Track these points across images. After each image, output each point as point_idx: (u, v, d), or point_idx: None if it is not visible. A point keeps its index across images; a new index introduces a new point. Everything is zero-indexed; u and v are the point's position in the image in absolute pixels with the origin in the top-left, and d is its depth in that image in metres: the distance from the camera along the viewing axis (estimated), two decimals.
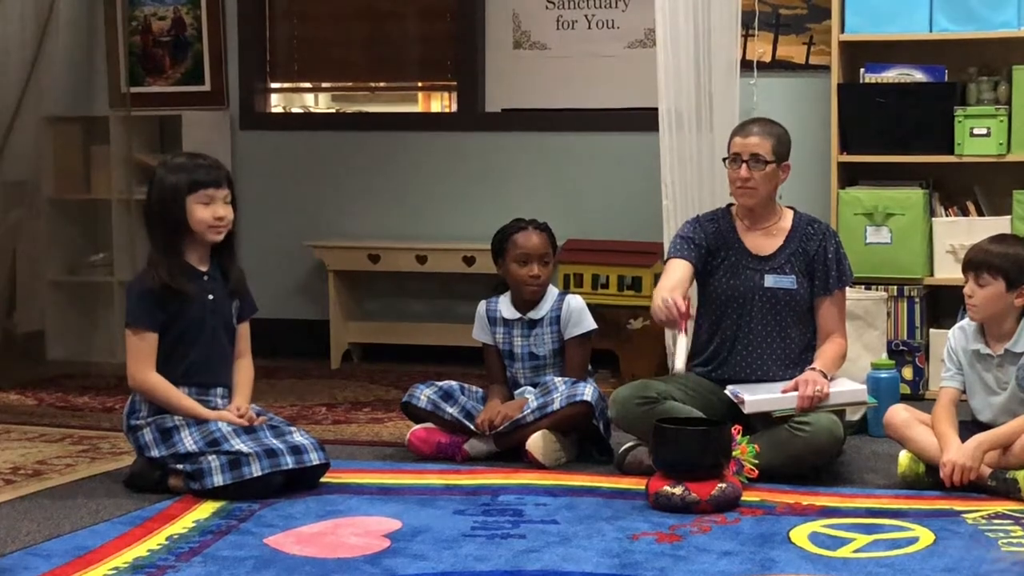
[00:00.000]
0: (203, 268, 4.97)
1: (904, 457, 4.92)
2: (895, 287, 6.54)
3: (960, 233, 6.52)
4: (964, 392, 5.00)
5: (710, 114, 6.54)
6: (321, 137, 7.95)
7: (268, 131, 8.02)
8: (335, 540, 4.27)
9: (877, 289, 6.42)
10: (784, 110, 6.61)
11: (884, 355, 6.00)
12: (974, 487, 4.73)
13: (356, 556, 4.09)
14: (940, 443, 4.82)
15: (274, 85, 8.19)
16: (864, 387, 5.24)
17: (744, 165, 5.18)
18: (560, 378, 5.36)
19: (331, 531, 4.37)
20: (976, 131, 6.48)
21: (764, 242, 5.29)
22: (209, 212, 4.89)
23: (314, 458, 4.83)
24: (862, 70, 6.68)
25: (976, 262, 4.88)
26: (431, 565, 3.99)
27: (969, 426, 4.92)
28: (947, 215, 6.65)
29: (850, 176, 6.76)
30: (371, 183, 7.82)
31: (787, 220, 5.33)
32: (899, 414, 4.97)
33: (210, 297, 4.96)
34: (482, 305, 5.58)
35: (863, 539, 4.22)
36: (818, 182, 6.80)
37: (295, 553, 4.13)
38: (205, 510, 4.60)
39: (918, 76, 6.64)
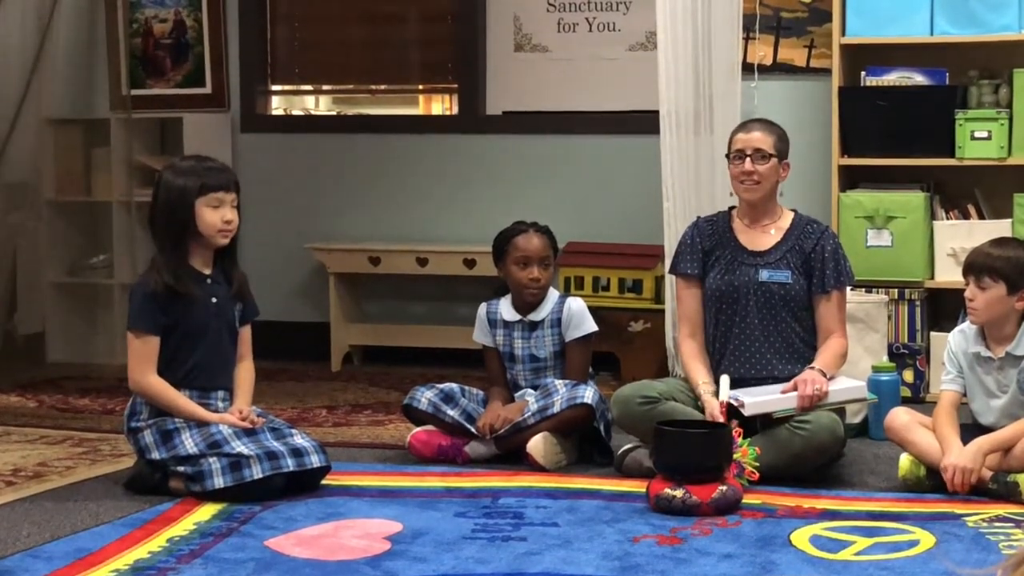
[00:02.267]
0: (206, 272, 4.97)
1: (905, 460, 4.91)
2: (896, 290, 6.55)
3: (961, 236, 6.52)
4: (965, 395, 5.00)
5: (711, 117, 6.55)
6: (322, 139, 7.95)
7: (269, 133, 8.03)
8: (336, 542, 4.27)
9: (878, 292, 6.42)
10: (785, 113, 6.61)
11: (885, 358, 6.01)
12: (975, 490, 4.73)
13: (357, 558, 4.09)
14: (941, 446, 4.81)
15: (275, 87, 8.20)
16: (863, 384, 5.25)
17: (748, 159, 5.22)
18: (561, 380, 5.36)
19: (332, 533, 4.36)
20: (977, 134, 6.48)
21: (761, 239, 5.31)
22: (218, 215, 4.89)
23: (315, 460, 4.83)
24: (863, 73, 6.69)
25: (977, 265, 4.88)
26: (432, 567, 3.99)
27: (970, 429, 4.92)
28: (948, 218, 6.65)
29: (851, 179, 6.76)
30: (371, 185, 7.82)
31: (786, 220, 5.35)
32: (900, 417, 4.96)
33: (213, 300, 4.95)
34: (483, 307, 5.58)
35: (864, 542, 4.22)
36: (819, 185, 6.81)
37: (296, 555, 4.13)
38: (205, 512, 4.59)
39: (919, 79, 6.64)
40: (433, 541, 4.25)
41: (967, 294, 4.90)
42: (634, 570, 3.96)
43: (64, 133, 7.93)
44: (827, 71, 6.81)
